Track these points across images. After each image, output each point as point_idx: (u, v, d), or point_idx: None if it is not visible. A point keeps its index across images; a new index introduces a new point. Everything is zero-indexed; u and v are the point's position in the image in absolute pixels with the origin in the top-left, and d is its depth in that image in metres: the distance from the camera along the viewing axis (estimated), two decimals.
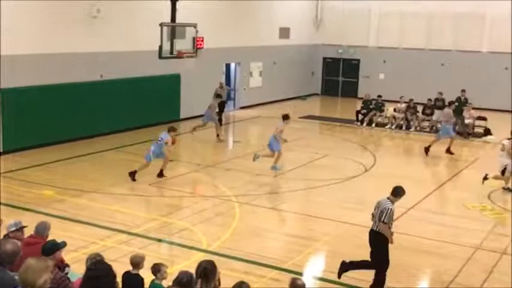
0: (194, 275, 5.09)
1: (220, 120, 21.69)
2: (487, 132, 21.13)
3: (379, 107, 23.34)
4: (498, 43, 26.66)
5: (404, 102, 22.80)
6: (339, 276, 8.71)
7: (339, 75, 31.42)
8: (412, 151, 20.39)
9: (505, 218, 12.23)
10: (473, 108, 22.02)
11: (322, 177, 15.06)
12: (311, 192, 14.04)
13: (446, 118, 18.25)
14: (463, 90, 22.14)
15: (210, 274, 4.98)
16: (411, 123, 22.46)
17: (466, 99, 21.89)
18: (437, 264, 9.79)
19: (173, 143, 14.66)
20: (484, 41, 27.18)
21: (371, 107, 23.39)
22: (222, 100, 21.77)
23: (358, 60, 30.53)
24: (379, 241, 8.52)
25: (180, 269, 6.54)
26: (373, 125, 22.98)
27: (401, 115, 22.66)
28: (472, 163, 17.44)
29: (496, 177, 14.22)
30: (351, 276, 8.92)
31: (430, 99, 22.76)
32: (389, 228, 8.52)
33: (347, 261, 8.76)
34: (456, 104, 21.65)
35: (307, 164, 16.47)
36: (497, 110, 25.25)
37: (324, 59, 31.52)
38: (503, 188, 14.07)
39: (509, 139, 14.29)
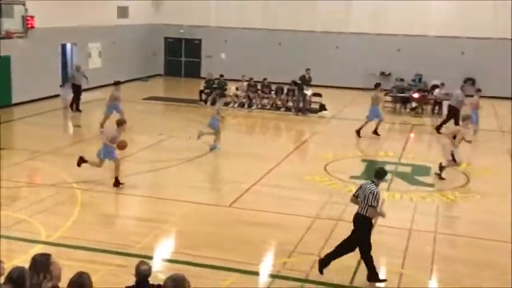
0: (28, 270, 4.82)
1: (77, 106, 20.65)
2: (322, 107, 22.40)
3: (222, 86, 23.69)
4: (330, 23, 28.28)
5: (246, 81, 23.37)
6: (321, 272, 8.54)
7: (181, 55, 31.31)
8: (254, 128, 21.01)
9: (340, 187, 13.10)
10: (310, 85, 23.13)
11: (168, 158, 14.95)
12: (157, 174, 13.87)
13: (375, 101, 18.21)
14: (308, 69, 23.04)
15: (41, 267, 4.75)
16: (253, 101, 23.11)
17: (310, 77, 22.91)
18: (280, 236, 10.23)
19: (120, 147, 12.48)
20: (317, 22, 28.62)
21: (214, 86, 23.67)
22: (77, 84, 20.72)
23: (200, 40, 30.63)
24: (365, 224, 8.41)
25: (17, 263, 6.14)
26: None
27: (243, 93, 23.22)
28: (310, 137, 18.39)
29: (449, 165, 14.13)
30: (204, 256, 9.01)
31: (265, 78, 23.51)
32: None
33: (322, 257, 8.69)
34: (299, 82, 22.57)
35: (152, 146, 16.26)
36: (331, 87, 26.84)
37: (166, 39, 31.17)
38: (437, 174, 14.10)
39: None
